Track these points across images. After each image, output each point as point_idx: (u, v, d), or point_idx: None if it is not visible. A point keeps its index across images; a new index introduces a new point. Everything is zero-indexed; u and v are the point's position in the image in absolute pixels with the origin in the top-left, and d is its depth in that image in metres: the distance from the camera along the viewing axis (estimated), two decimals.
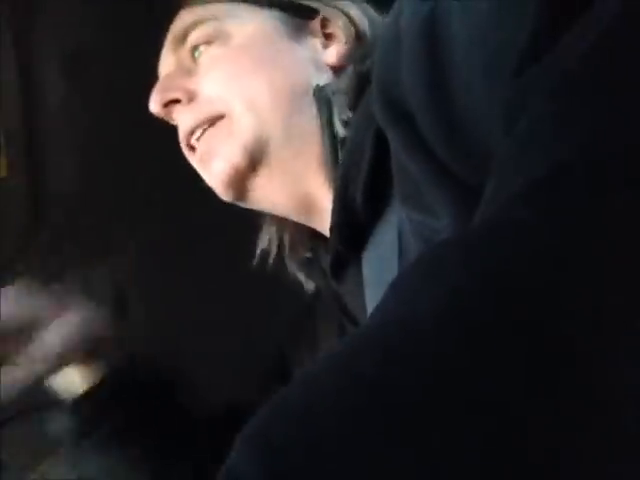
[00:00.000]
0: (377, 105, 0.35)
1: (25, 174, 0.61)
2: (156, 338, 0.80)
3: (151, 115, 0.56)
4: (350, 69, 0.47)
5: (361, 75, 0.46)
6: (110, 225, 0.73)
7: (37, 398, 0.66)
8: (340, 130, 0.46)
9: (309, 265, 0.56)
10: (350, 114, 0.45)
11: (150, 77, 0.57)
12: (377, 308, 0.22)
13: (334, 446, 0.17)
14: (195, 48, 0.52)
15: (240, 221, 0.55)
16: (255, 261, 0.58)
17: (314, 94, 0.48)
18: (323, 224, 0.49)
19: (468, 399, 0.17)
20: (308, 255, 0.56)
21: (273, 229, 0.57)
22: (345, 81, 0.47)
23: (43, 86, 0.61)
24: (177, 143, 0.56)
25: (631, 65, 0.22)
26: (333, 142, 0.47)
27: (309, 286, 0.58)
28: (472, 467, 0.16)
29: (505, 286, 0.19)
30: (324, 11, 0.51)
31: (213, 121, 0.50)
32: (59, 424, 0.60)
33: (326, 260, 0.51)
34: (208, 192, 0.54)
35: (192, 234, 0.79)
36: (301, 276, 0.57)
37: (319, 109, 0.48)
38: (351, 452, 0.17)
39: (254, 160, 0.49)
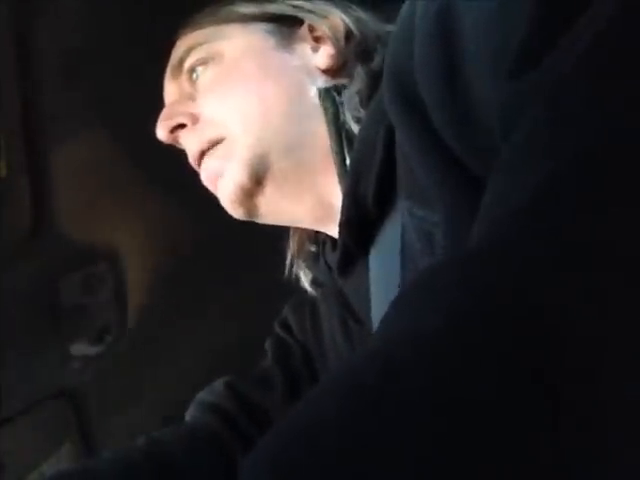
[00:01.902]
0: (388, 97, 0.35)
1: (25, 174, 0.60)
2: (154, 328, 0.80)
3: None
4: (359, 69, 0.47)
5: (373, 74, 0.46)
6: (111, 225, 0.73)
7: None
8: (353, 127, 0.46)
9: (314, 260, 0.56)
10: (362, 112, 0.46)
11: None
12: (380, 324, 0.22)
13: (337, 462, 0.17)
14: (192, 71, 0.54)
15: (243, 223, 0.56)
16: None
17: (319, 96, 0.49)
18: (334, 228, 0.49)
19: (467, 411, 0.16)
20: (313, 249, 0.56)
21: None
22: (357, 80, 0.47)
23: (43, 86, 0.61)
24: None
25: (628, 67, 0.21)
26: (339, 141, 0.47)
27: (309, 286, 0.58)
28: (468, 474, 0.16)
29: (501, 303, 0.18)
30: (308, 19, 0.52)
31: (216, 142, 0.51)
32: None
33: (331, 256, 0.51)
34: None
35: (190, 240, 0.79)
36: (304, 274, 0.58)
37: (325, 109, 0.48)
38: (352, 467, 0.17)
39: (258, 176, 0.50)
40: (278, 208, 0.52)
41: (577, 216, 0.19)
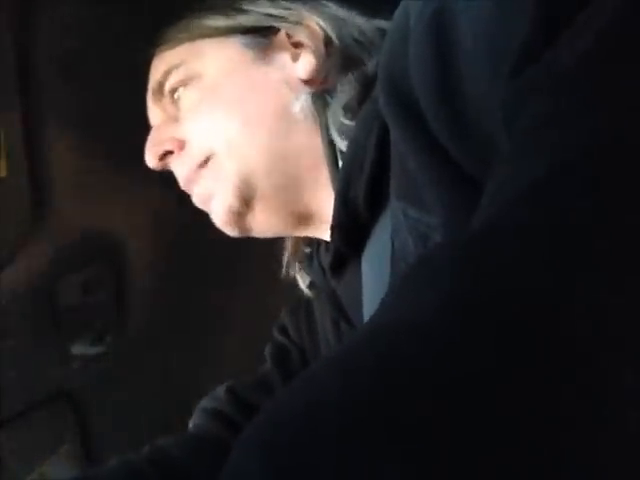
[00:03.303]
0: (382, 98, 0.35)
1: (25, 174, 0.61)
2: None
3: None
4: (350, 75, 0.47)
5: (366, 78, 0.46)
6: (111, 226, 0.73)
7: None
8: (345, 129, 0.46)
9: (309, 261, 0.57)
10: (354, 114, 0.46)
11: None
12: (377, 310, 0.22)
13: (335, 442, 0.17)
14: (173, 92, 0.53)
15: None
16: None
17: (311, 101, 0.49)
18: (326, 232, 0.49)
19: (466, 391, 0.17)
20: (307, 251, 0.57)
21: None
22: (346, 83, 0.47)
23: (43, 86, 0.61)
24: None
25: (630, 64, 0.21)
26: (332, 144, 0.47)
27: (305, 287, 0.58)
28: (469, 463, 0.16)
29: (503, 286, 0.18)
30: (284, 27, 0.51)
31: (204, 163, 0.51)
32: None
33: (325, 257, 0.51)
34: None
35: (191, 239, 0.79)
36: (299, 275, 0.58)
37: (317, 113, 0.48)
38: (352, 448, 0.16)
39: (246, 198, 0.50)
40: (270, 224, 0.52)
41: (578, 208, 0.19)
